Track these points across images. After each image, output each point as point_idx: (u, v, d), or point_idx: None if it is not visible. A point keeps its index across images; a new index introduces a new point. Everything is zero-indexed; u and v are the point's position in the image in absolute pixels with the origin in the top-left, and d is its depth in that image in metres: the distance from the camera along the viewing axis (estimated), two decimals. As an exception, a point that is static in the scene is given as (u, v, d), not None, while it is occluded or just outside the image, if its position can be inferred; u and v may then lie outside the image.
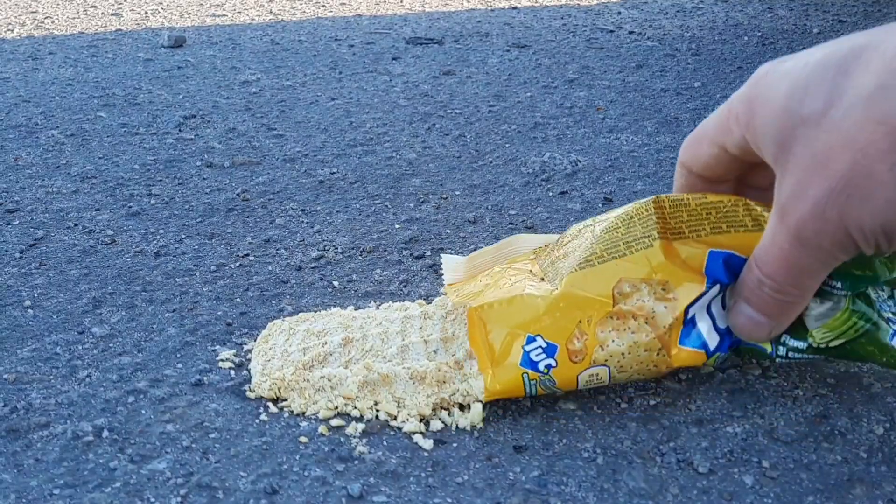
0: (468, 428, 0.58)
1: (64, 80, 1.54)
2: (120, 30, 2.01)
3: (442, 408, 0.59)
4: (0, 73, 1.59)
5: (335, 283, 0.81)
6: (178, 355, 0.68)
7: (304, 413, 0.61)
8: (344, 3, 2.39)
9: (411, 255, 0.87)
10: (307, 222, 0.95)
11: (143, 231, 0.92)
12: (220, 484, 0.54)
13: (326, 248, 0.89)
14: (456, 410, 0.59)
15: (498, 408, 0.60)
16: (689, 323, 0.57)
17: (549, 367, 0.56)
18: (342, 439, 0.58)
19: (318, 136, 1.25)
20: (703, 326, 0.57)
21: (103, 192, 1.03)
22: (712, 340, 0.58)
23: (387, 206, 1.00)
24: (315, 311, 0.74)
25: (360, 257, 0.86)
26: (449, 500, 0.53)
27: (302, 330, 0.68)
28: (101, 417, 0.60)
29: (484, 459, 0.56)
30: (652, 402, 0.63)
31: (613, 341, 0.56)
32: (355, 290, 0.79)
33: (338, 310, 0.72)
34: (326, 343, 0.65)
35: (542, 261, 0.63)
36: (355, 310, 0.72)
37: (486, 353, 0.57)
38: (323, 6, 2.35)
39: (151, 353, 0.69)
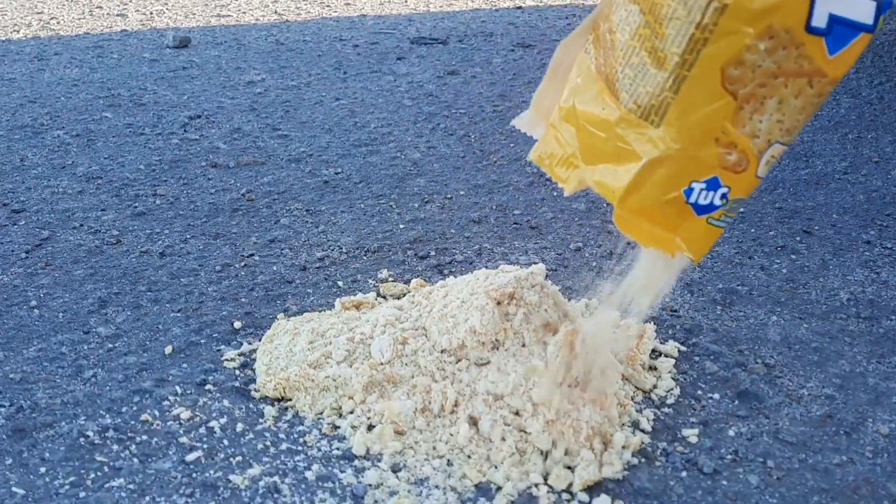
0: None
1: (69, 81, 1.55)
2: (125, 30, 2.01)
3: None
4: (6, 73, 1.60)
5: (340, 283, 0.81)
6: (184, 355, 0.69)
7: (308, 412, 0.61)
8: (348, 3, 2.39)
9: (416, 254, 0.87)
10: (312, 222, 0.95)
11: (148, 231, 0.93)
12: (225, 483, 0.54)
13: (331, 248, 0.89)
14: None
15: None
16: (832, 22, 0.47)
17: (723, 196, 0.49)
18: (346, 439, 0.58)
19: (323, 136, 1.25)
20: (846, 3, 0.46)
21: (109, 192, 1.04)
22: (866, 10, 0.47)
23: (391, 206, 1.00)
24: (320, 311, 0.74)
25: (364, 257, 0.86)
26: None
27: (307, 330, 0.68)
28: (106, 417, 0.61)
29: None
30: (656, 402, 0.63)
31: (761, 122, 0.48)
32: (360, 290, 0.79)
33: (341, 307, 0.72)
34: (331, 343, 0.65)
35: (599, 62, 0.53)
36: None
37: (658, 237, 0.51)
38: (327, 6, 2.35)
39: (157, 352, 0.69)
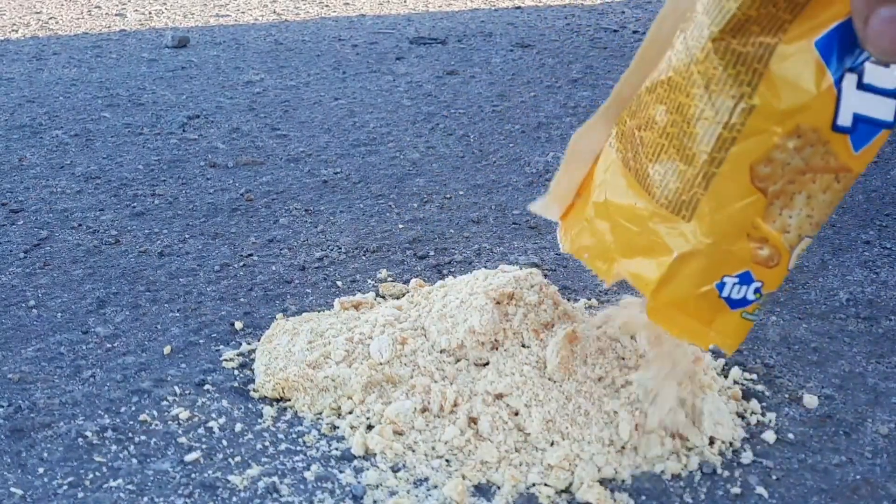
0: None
1: (68, 81, 1.55)
2: (124, 30, 2.01)
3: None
4: (5, 73, 1.60)
5: (339, 283, 0.81)
6: (182, 355, 0.68)
7: (307, 413, 0.61)
8: (347, 3, 2.39)
9: (415, 254, 0.87)
10: (311, 222, 0.95)
11: (146, 231, 0.93)
12: (224, 483, 0.54)
13: (330, 248, 0.89)
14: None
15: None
16: (856, 121, 0.47)
17: (757, 290, 0.50)
18: (345, 439, 0.58)
19: (322, 136, 1.25)
20: (868, 103, 0.47)
21: (107, 192, 1.04)
22: (886, 108, 0.48)
23: (390, 205, 1.00)
24: (319, 311, 0.74)
25: (363, 257, 0.86)
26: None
27: (305, 330, 0.68)
28: (105, 417, 0.60)
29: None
30: (656, 402, 0.63)
31: (791, 217, 0.49)
32: (359, 290, 0.79)
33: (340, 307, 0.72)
34: (330, 343, 0.65)
35: (627, 157, 0.54)
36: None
37: (692, 329, 0.52)
38: (326, 6, 2.35)
39: (155, 353, 0.69)
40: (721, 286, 0.50)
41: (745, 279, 0.50)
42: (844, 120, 0.48)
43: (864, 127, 0.48)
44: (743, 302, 0.51)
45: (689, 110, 0.49)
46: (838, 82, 0.47)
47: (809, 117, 0.47)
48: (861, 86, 0.48)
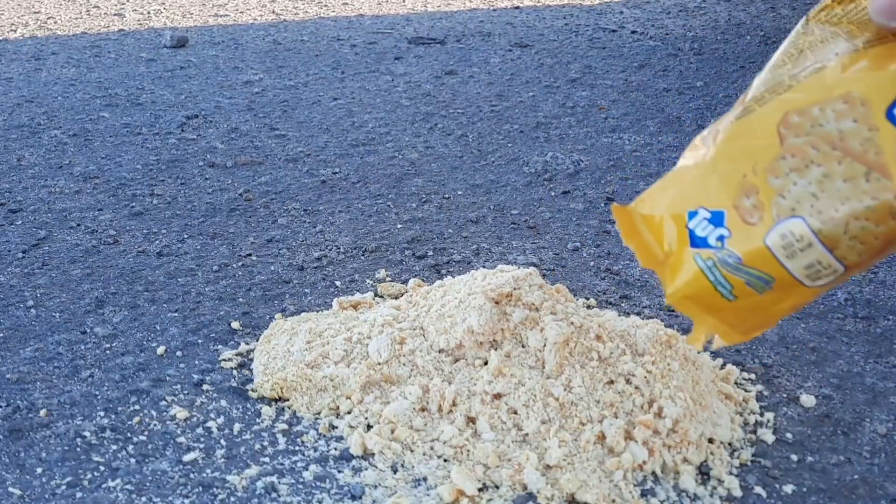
0: None
1: (67, 81, 1.54)
2: (122, 30, 2.01)
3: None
4: (3, 73, 1.59)
5: (337, 283, 0.81)
6: (181, 355, 0.68)
7: (306, 413, 0.61)
8: (346, 3, 2.39)
9: (413, 254, 0.87)
10: (309, 222, 0.95)
11: (145, 231, 0.92)
12: (222, 483, 0.54)
13: (328, 247, 0.89)
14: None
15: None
16: None
17: (721, 238, 0.46)
18: (343, 439, 0.58)
19: (321, 135, 1.25)
20: None
21: (106, 192, 1.03)
22: None
23: (389, 205, 1.00)
24: (317, 311, 0.74)
25: (362, 257, 0.86)
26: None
27: (304, 330, 0.68)
28: (103, 417, 0.60)
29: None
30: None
31: (795, 184, 0.44)
32: (357, 290, 0.79)
33: (339, 306, 0.72)
34: (329, 343, 0.65)
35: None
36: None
37: (643, 246, 0.49)
38: (325, 6, 2.35)
39: (154, 352, 0.69)
40: (693, 215, 0.46)
41: (717, 220, 0.46)
42: None
43: None
44: (703, 242, 0.46)
45: (779, 68, 0.46)
46: None
47: (864, 88, 0.43)
48: None
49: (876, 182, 0.43)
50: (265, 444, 0.58)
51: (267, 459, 0.56)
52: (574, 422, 0.57)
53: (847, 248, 0.44)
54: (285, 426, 0.59)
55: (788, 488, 0.55)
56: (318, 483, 0.54)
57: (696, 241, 0.46)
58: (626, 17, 2.17)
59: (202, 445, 0.58)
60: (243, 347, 0.69)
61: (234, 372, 0.66)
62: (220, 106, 1.40)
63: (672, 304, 0.48)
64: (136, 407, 0.62)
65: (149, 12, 2.24)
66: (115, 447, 0.57)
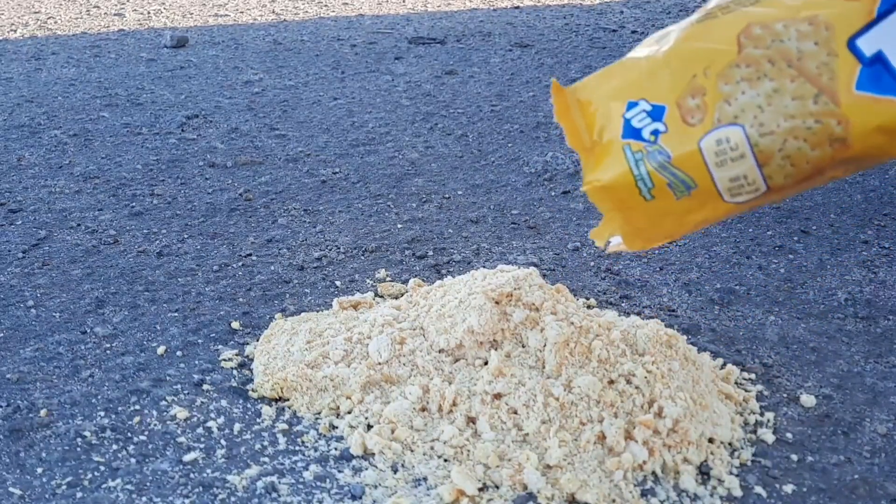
0: None
1: (67, 81, 1.54)
2: (122, 30, 2.01)
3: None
4: (3, 73, 1.59)
5: (337, 283, 0.81)
6: (181, 355, 0.68)
7: (306, 412, 0.61)
8: (346, 3, 2.39)
9: (413, 254, 0.87)
10: (309, 222, 0.95)
11: (145, 231, 0.92)
12: (223, 483, 0.54)
13: (329, 247, 0.89)
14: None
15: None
16: (874, 62, 0.42)
17: (655, 132, 0.45)
18: (344, 439, 0.58)
19: (321, 135, 1.25)
20: None
21: (106, 192, 1.03)
22: None
23: (389, 205, 1.00)
24: (317, 311, 0.74)
25: (362, 257, 0.86)
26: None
27: (304, 330, 0.68)
28: (103, 417, 0.60)
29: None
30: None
31: (744, 93, 0.43)
32: (358, 290, 0.79)
33: (339, 307, 0.72)
34: (329, 343, 0.65)
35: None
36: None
37: (582, 141, 0.48)
38: (325, 6, 2.35)
39: (154, 352, 0.69)
40: (632, 105, 0.46)
41: (657, 114, 0.45)
42: (865, 46, 0.43)
43: (879, 71, 0.42)
44: (636, 134, 0.46)
45: None
46: (889, 7, 0.42)
47: (831, 13, 0.43)
48: None
49: (824, 105, 0.43)
50: (265, 444, 0.58)
51: (267, 459, 0.56)
52: (574, 422, 0.57)
53: (777, 167, 0.45)
54: (285, 426, 0.59)
55: (788, 488, 0.55)
56: (318, 483, 0.54)
57: (630, 132, 0.46)
58: (626, 17, 2.17)
59: (202, 445, 0.58)
60: (244, 347, 0.69)
61: (235, 372, 0.66)
62: (220, 106, 1.40)
63: (587, 193, 0.47)
64: (137, 407, 0.62)
65: (149, 12, 2.24)
66: (115, 447, 0.57)
